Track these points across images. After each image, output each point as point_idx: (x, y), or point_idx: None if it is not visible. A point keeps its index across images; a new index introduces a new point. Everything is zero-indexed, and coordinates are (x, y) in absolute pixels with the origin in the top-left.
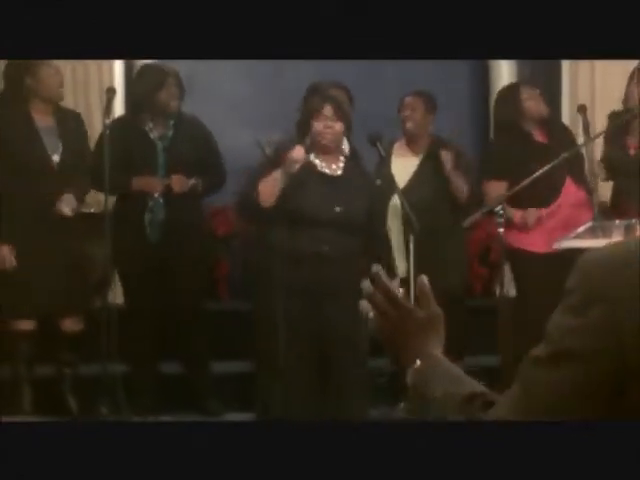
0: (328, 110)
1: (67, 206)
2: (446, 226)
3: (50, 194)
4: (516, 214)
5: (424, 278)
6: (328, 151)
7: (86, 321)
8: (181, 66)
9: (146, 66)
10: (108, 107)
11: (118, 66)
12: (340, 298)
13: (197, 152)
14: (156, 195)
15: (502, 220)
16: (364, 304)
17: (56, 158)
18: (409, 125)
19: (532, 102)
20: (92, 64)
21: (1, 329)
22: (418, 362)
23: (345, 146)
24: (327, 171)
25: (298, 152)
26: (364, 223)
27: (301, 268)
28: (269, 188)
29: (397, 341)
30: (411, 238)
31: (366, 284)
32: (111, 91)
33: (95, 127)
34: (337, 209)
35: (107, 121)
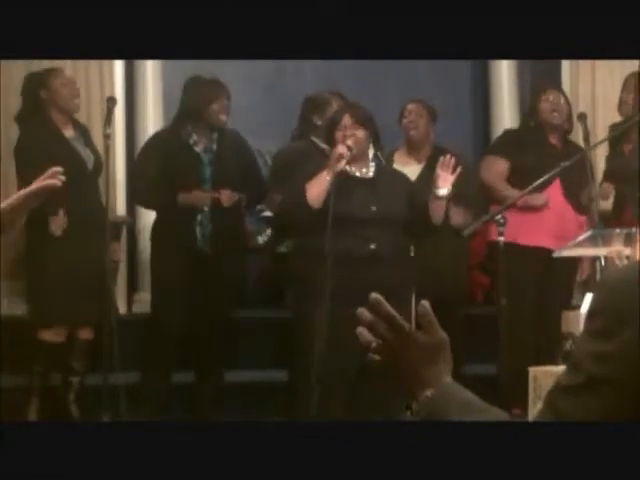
0: (347, 119)
1: (57, 226)
2: (446, 233)
3: (86, 202)
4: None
5: (426, 303)
6: (355, 158)
7: (100, 330)
8: (183, 75)
9: (198, 78)
10: (109, 117)
11: (119, 75)
12: (391, 298)
13: (240, 165)
14: (205, 209)
15: (502, 229)
16: (364, 333)
17: (90, 166)
18: (413, 133)
19: (547, 105)
20: (93, 73)
21: (24, 339)
22: (429, 391)
23: (371, 150)
24: (358, 174)
25: (341, 149)
26: (406, 221)
27: (353, 269)
28: (318, 188)
29: (404, 370)
30: (411, 248)
31: (363, 311)
32: (112, 101)
33: (97, 137)
34: (373, 208)
35: (108, 131)
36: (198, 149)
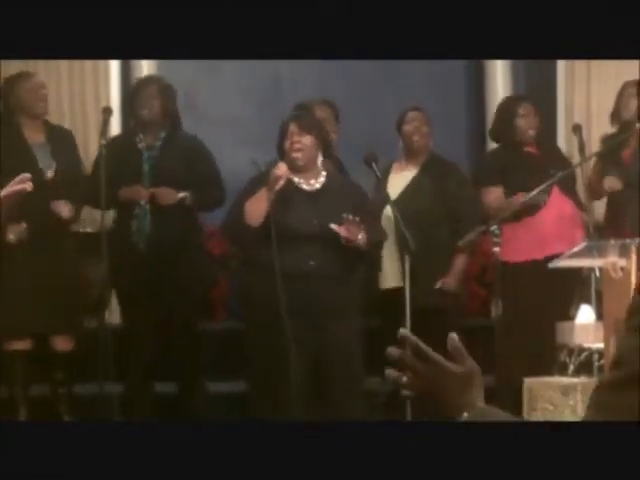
0: (293, 127)
1: (13, 234)
2: (442, 241)
3: (44, 211)
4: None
5: (454, 335)
6: (303, 167)
7: (81, 341)
8: (180, 85)
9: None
10: (104, 127)
11: (115, 85)
12: (332, 314)
13: (189, 167)
14: (142, 203)
15: (498, 240)
16: (391, 373)
17: (50, 174)
18: (416, 138)
19: (525, 120)
20: (89, 84)
21: None
22: (466, 414)
23: (320, 160)
24: (305, 187)
25: (281, 169)
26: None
27: (292, 285)
28: (255, 207)
29: (439, 399)
30: (406, 258)
31: (393, 350)
32: (107, 111)
33: (92, 147)
34: (314, 222)
35: (103, 141)
36: (141, 146)
